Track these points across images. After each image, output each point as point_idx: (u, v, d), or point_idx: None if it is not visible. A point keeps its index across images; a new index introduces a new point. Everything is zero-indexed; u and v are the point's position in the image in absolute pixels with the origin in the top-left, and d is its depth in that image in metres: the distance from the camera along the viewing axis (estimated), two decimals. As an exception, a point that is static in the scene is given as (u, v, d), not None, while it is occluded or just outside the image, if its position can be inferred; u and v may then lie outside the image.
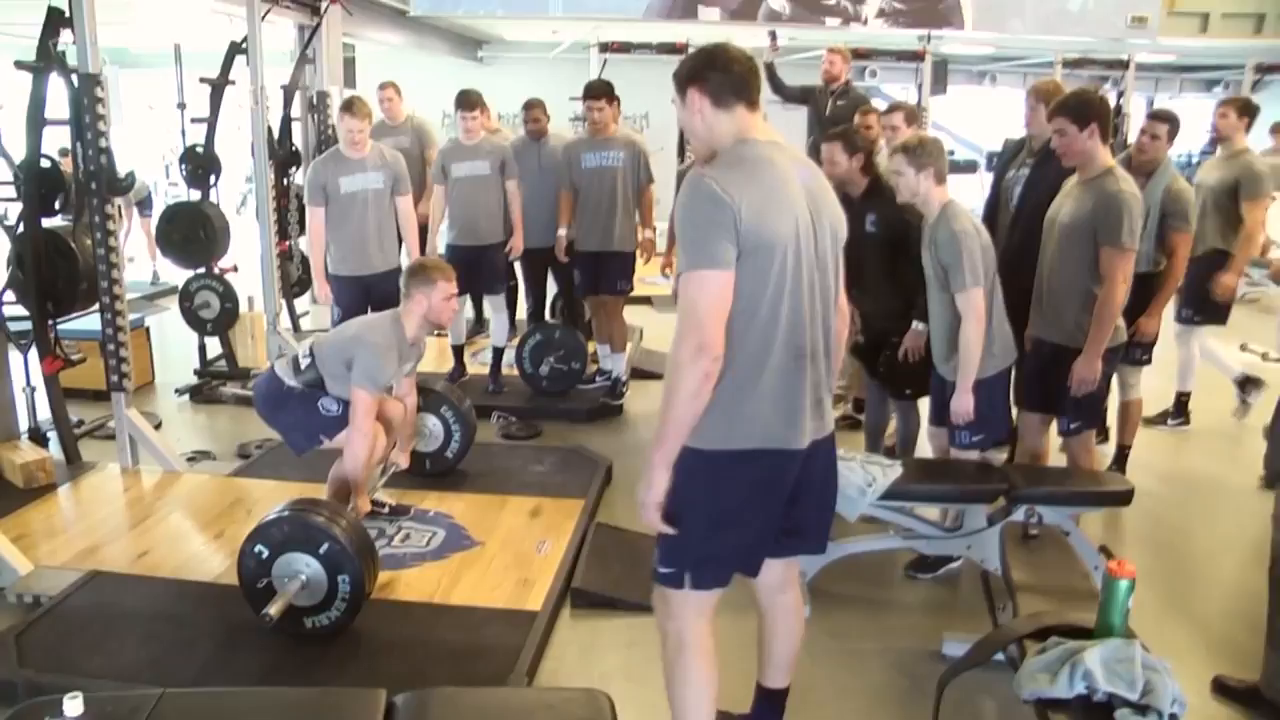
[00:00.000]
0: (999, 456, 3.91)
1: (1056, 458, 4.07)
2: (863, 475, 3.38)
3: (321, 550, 3.17)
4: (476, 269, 5.62)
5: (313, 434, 3.75)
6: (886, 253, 4.06)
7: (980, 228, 3.54)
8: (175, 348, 6.88)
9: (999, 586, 3.38)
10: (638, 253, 5.76)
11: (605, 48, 9.16)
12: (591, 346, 6.12)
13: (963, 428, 3.63)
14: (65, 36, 4.25)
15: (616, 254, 5.64)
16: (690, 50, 2.34)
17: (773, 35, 7.61)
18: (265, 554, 3.20)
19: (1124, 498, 3.44)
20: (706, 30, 9.78)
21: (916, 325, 4.04)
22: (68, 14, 4.17)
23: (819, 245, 2.20)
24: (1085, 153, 3.61)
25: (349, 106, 4.87)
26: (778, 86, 6.52)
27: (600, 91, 5.56)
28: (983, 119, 12.53)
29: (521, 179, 5.77)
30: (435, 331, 4.54)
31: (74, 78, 4.26)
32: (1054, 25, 9.01)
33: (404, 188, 5.17)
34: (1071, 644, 2.34)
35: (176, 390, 6.03)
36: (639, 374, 6.35)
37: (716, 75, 2.17)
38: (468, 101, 5.61)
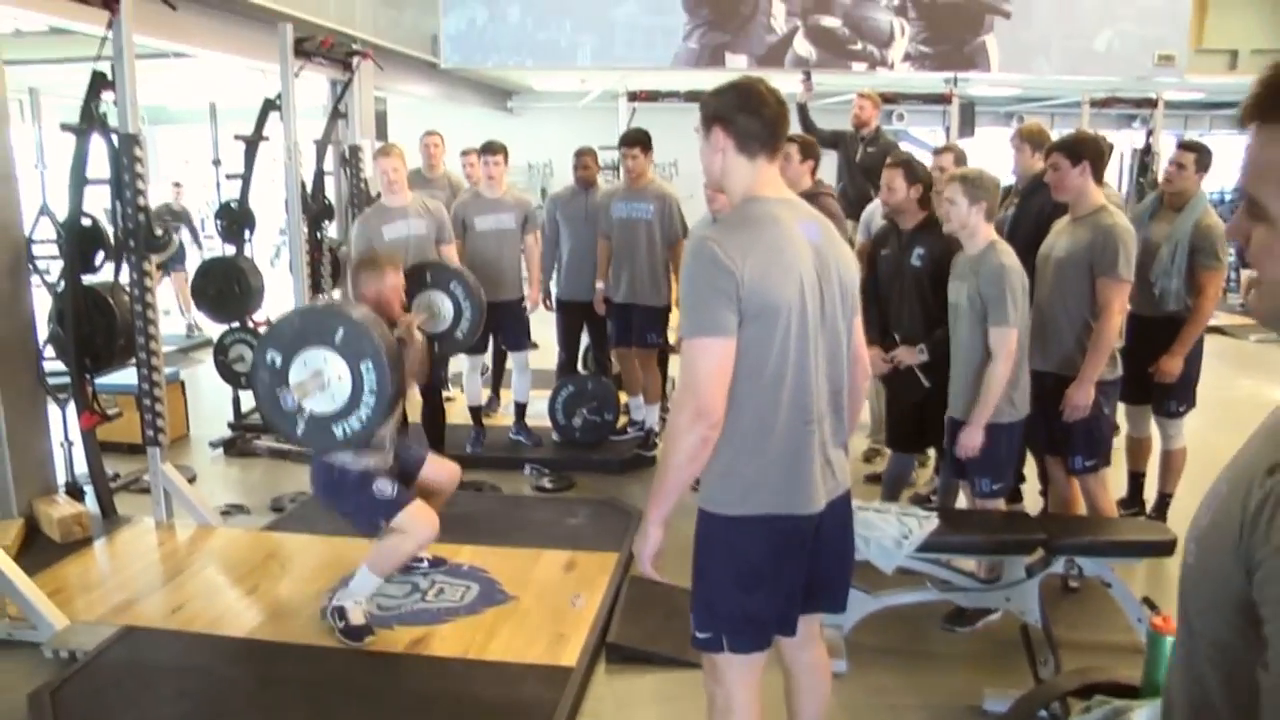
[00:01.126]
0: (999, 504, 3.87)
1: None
2: (898, 527, 3.34)
3: (337, 338, 3.15)
4: (498, 325, 5.62)
5: (373, 519, 3.60)
6: (928, 287, 4.01)
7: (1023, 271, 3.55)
8: (210, 400, 6.96)
9: (1039, 639, 3.32)
10: (672, 305, 5.73)
11: (634, 96, 9.24)
12: (622, 398, 6.10)
13: (983, 476, 3.62)
14: (106, 97, 4.35)
15: (647, 307, 5.63)
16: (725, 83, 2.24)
17: (807, 75, 7.60)
18: (279, 360, 3.21)
19: (1166, 548, 3.36)
20: (734, 77, 9.89)
21: (921, 351, 4.00)
22: (110, 77, 4.27)
23: (826, 305, 2.19)
24: (1077, 189, 3.70)
25: (384, 150, 4.97)
26: (809, 129, 6.54)
27: (635, 140, 5.60)
28: (1009, 160, 12.54)
29: (569, 228, 5.80)
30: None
31: (114, 138, 4.36)
32: (1080, 65, 9.01)
33: (447, 236, 5.21)
34: (1118, 703, 2.27)
35: (211, 443, 6.08)
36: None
37: (745, 120, 2.14)
38: (492, 147, 5.66)
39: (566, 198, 5.98)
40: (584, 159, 5.98)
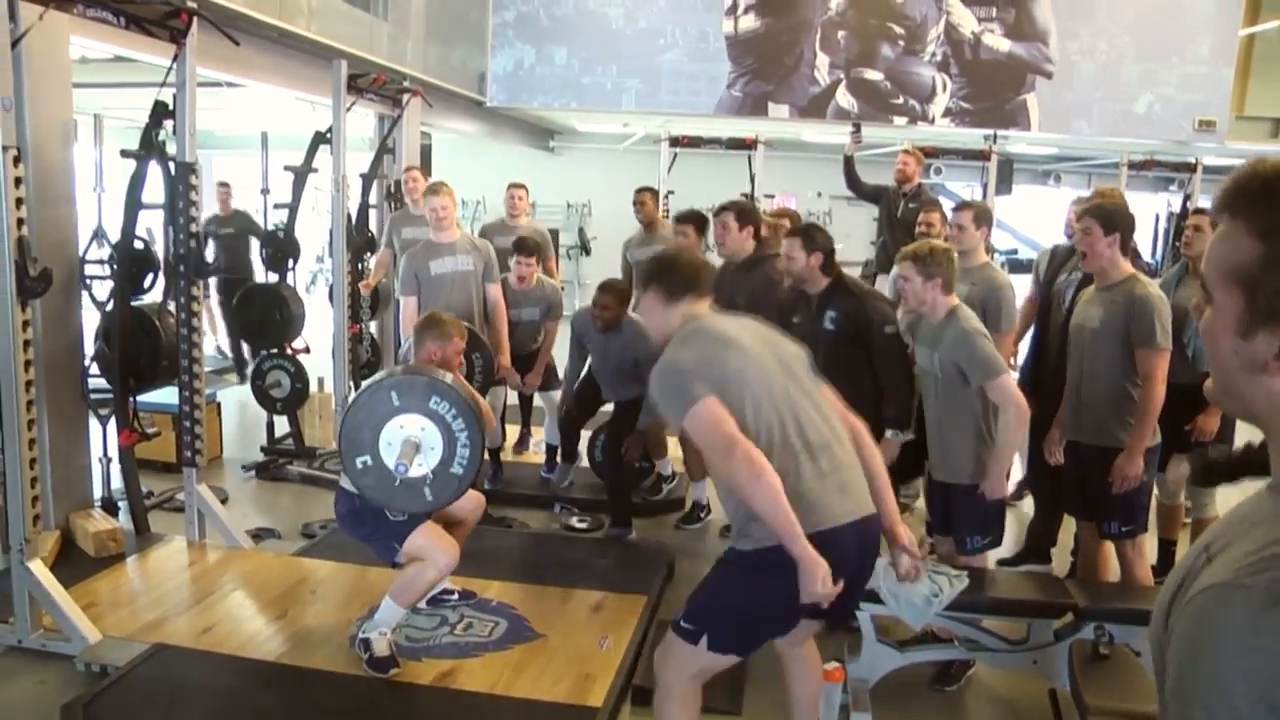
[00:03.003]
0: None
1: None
2: (929, 585, 3.32)
3: (400, 400, 3.34)
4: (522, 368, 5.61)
5: (389, 541, 3.59)
6: (845, 350, 3.98)
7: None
8: (241, 422, 7.05)
9: (1068, 705, 3.29)
10: None
11: (675, 141, 9.32)
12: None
13: (974, 533, 3.65)
14: (166, 125, 4.47)
15: None
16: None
17: (856, 128, 7.63)
18: (369, 459, 3.34)
19: (1200, 618, 3.33)
20: (776, 126, 10.00)
21: (889, 434, 3.91)
22: (171, 106, 4.39)
23: (780, 356, 2.60)
24: (1104, 256, 3.71)
25: (434, 189, 5.05)
26: (853, 182, 6.60)
27: (688, 219, 5.44)
28: (1046, 218, 12.58)
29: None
30: None
31: (171, 165, 4.47)
32: (1120, 128, 9.07)
33: (493, 275, 5.24)
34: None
35: (243, 466, 6.15)
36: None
37: (667, 277, 2.69)
38: (524, 246, 5.48)
39: (638, 240, 6.13)
40: (641, 195, 6.20)
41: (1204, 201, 10.13)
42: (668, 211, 9.48)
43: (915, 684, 3.65)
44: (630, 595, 4.31)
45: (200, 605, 4.10)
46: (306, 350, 6.14)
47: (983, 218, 4.82)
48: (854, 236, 11.55)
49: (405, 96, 6.53)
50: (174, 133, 4.47)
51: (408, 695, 3.42)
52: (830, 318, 4.09)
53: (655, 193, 6.51)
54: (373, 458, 3.35)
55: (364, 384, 3.59)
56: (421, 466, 3.34)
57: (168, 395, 4.94)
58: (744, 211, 4.79)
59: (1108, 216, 3.72)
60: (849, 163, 6.67)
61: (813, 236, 4.18)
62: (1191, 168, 8.20)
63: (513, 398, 6.23)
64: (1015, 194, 10.64)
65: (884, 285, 6.98)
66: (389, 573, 3.86)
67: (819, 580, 2.28)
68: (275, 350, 5.96)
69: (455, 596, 4.15)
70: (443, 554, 3.53)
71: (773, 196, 10.65)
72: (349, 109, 5.67)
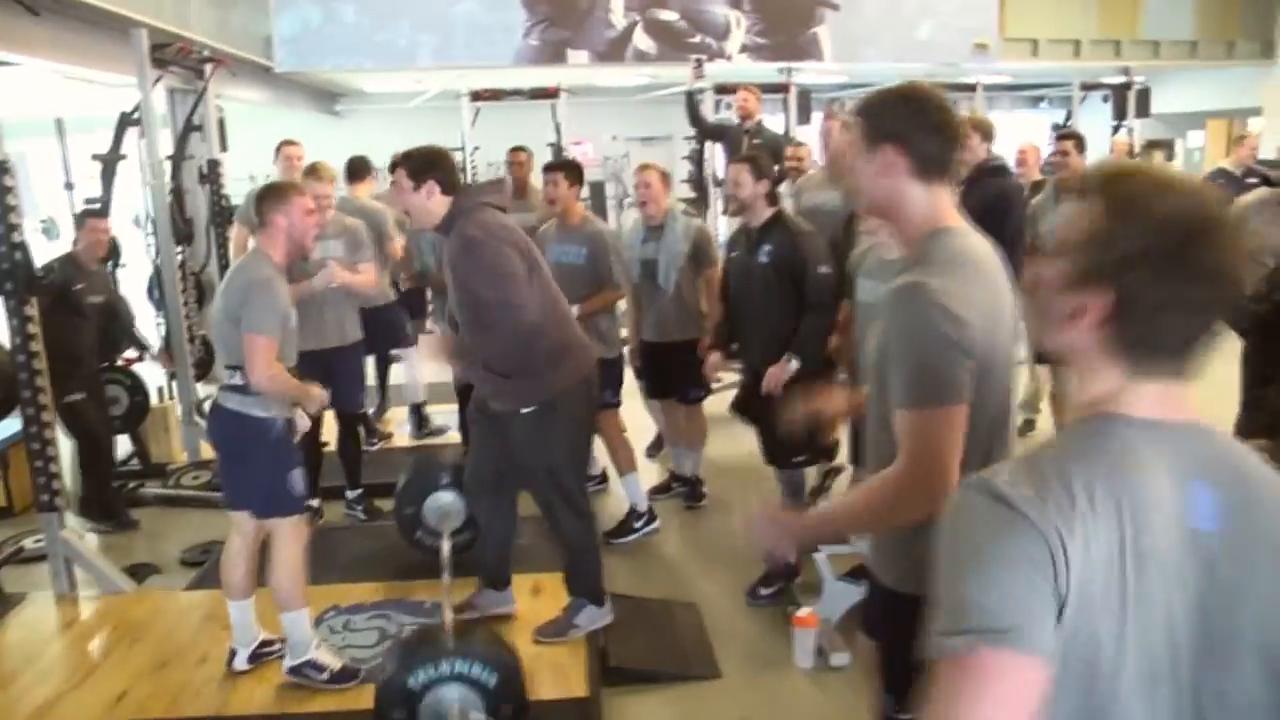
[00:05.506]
0: None
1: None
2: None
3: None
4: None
5: (268, 507, 3.28)
6: (777, 285, 3.96)
7: None
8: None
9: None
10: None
11: (477, 96, 8.95)
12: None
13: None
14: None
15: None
16: (887, 88, 1.88)
17: (699, 63, 7.52)
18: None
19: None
20: (575, 73, 9.80)
21: (789, 359, 3.88)
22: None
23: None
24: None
25: (314, 171, 4.63)
26: (696, 119, 6.54)
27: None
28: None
29: None
30: None
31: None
32: (905, 54, 9.51)
33: (366, 256, 4.85)
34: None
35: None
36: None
37: (925, 137, 1.79)
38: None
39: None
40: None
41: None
42: (475, 169, 9.16)
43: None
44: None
45: (101, 669, 3.57)
46: (140, 358, 5.46)
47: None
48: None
49: (209, 67, 5.87)
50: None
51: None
52: (766, 250, 3.99)
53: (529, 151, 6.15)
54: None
55: None
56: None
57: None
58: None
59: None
60: (691, 100, 6.60)
61: (761, 164, 4.06)
62: (972, 88, 8.75)
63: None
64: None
65: (734, 225, 7.04)
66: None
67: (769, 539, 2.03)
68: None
69: (276, 648, 3.53)
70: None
71: (580, 143, 10.50)
72: (155, 84, 5.03)
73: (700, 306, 4.83)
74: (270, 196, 3.36)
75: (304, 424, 3.49)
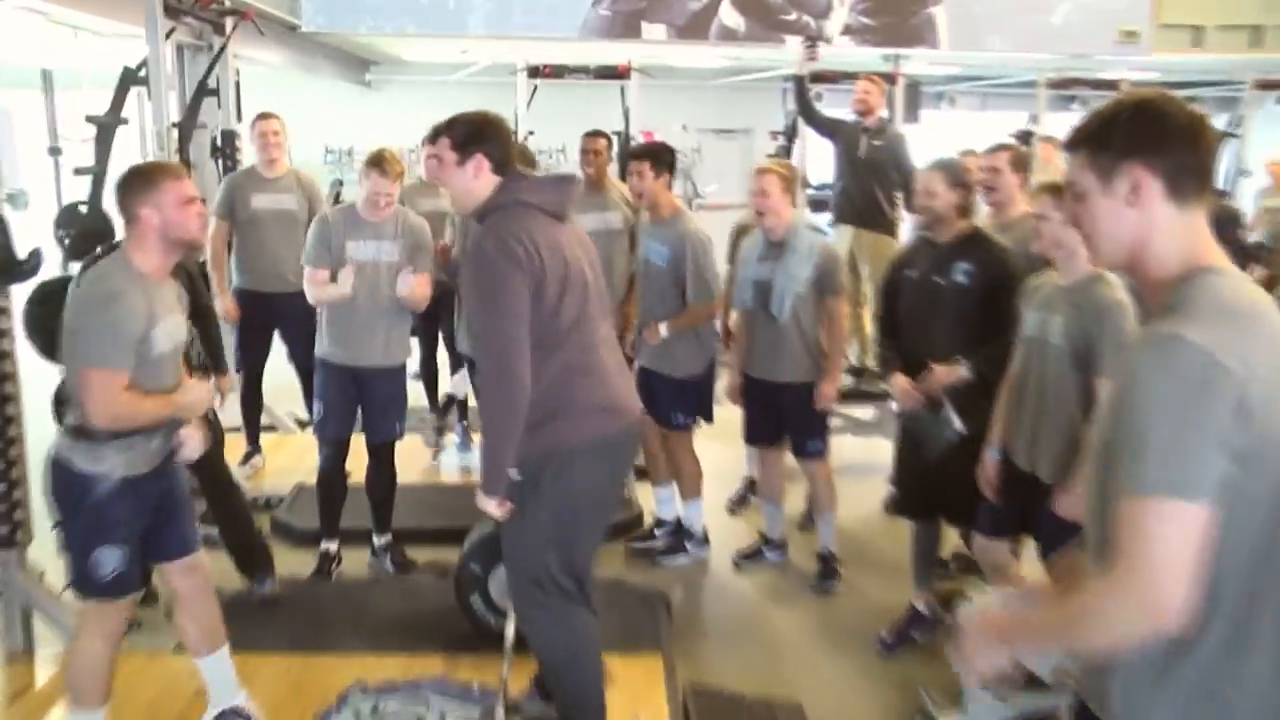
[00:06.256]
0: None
1: None
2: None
3: None
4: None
5: (74, 582, 2.75)
6: (977, 309, 3.46)
7: None
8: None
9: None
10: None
11: (535, 72, 8.02)
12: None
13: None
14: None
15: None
16: (1101, 107, 1.55)
17: (811, 43, 6.58)
18: None
19: None
20: (650, 49, 8.84)
21: (961, 365, 3.45)
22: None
23: None
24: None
25: (377, 161, 3.88)
26: (807, 110, 5.58)
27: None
28: (942, 147, 12.01)
29: None
30: None
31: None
32: (1036, 42, 8.38)
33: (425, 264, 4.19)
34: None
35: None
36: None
37: (1179, 152, 1.46)
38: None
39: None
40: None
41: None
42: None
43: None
44: (639, 656, 3.46)
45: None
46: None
47: (1020, 163, 4.04)
48: (727, 175, 10.53)
49: (231, 20, 4.98)
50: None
51: None
52: (964, 270, 3.50)
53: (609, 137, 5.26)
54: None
55: None
56: None
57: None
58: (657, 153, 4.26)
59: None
60: (800, 85, 5.63)
61: (957, 171, 3.60)
62: (1114, 85, 7.65)
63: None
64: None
65: (843, 237, 6.08)
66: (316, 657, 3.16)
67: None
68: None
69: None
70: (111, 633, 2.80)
71: (647, 135, 9.53)
72: (168, 36, 4.16)
73: (820, 342, 4.05)
74: (134, 184, 2.64)
75: (194, 444, 2.74)
